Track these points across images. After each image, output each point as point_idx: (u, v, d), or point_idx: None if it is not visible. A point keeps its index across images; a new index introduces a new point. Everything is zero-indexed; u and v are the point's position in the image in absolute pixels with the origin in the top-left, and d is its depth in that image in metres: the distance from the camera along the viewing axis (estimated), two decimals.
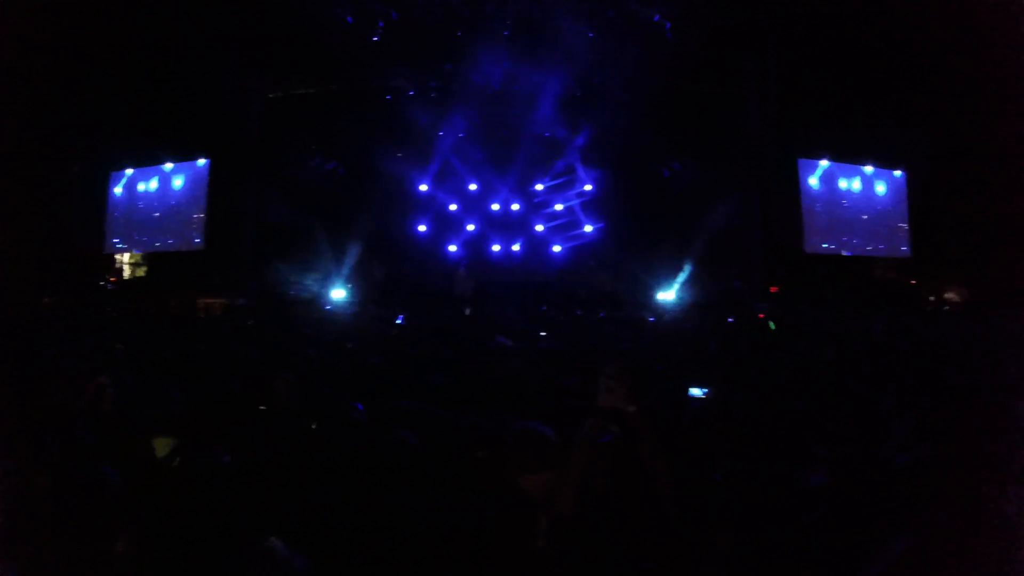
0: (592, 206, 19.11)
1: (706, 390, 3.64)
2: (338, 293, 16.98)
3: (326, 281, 17.19)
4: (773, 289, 17.64)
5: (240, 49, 17.04)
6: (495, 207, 19.18)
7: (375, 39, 16.60)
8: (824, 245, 19.32)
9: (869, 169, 20.10)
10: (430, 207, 19.13)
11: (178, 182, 19.22)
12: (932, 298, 18.65)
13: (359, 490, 2.81)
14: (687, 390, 3.78)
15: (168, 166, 19.33)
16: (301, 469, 3.15)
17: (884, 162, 20.06)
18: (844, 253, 19.56)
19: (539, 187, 19.15)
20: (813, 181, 19.46)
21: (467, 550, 2.52)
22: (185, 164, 19.14)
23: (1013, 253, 16.11)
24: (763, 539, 2.68)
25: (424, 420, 3.63)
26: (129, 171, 19.75)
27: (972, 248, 17.13)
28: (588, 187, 19.02)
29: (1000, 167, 16.47)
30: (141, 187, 19.62)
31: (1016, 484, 2.77)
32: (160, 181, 19.47)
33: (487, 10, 16.30)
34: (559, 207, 19.19)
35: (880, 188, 20.22)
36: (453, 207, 19.20)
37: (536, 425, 3.14)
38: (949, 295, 18.59)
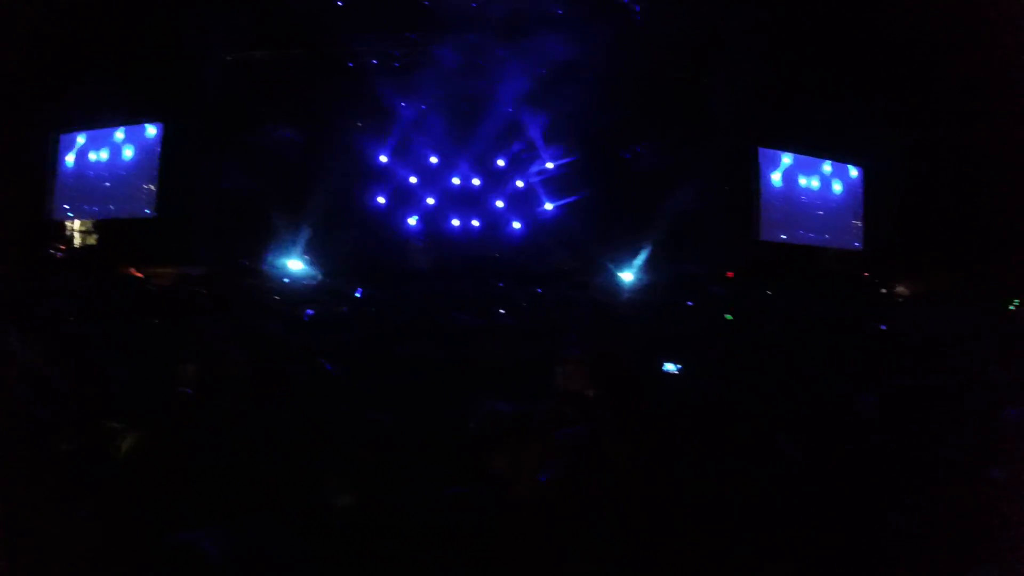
0: (553, 184, 19.08)
1: (679, 366, 3.65)
2: (295, 264, 16.75)
3: (283, 252, 16.92)
4: (729, 274, 17.85)
5: (198, 7, 16.57)
6: (455, 181, 19.05)
7: (339, 3, 16.31)
8: (781, 236, 19.61)
9: (828, 166, 20.41)
10: (390, 179, 18.91)
11: (128, 152, 18.61)
12: (884, 290, 19.00)
13: (323, 470, 2.76)
14: (653, 370, 3.78)
15: (119, 135, 18.71)
16: (255, 449, 3.07)
17: (842, 158, 20.37)
18: (799, 243, 19.87)
19: (500, 163, 19.05)
20: (775, 175, 19.70)
21: (432, 531, 2.49)
22: (137, 132, 18.54)
23: (965, 250, 16.55)
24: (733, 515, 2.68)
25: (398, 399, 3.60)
26: (81, 139, 19.10)
27: (924, 244, 17.51)
28: (549, 165, 18.97)
29: (956, 166, 16.86)
30: (92, 156, 18.98)
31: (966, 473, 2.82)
32: (111, 150, 18.82)
33: None
34: (519, 184, 19.12)
35: (837, 183, 20.55)
36: (413, 180, 19.01)
37: (500, 404, 3.12)
38: (900, 288, 18.96)
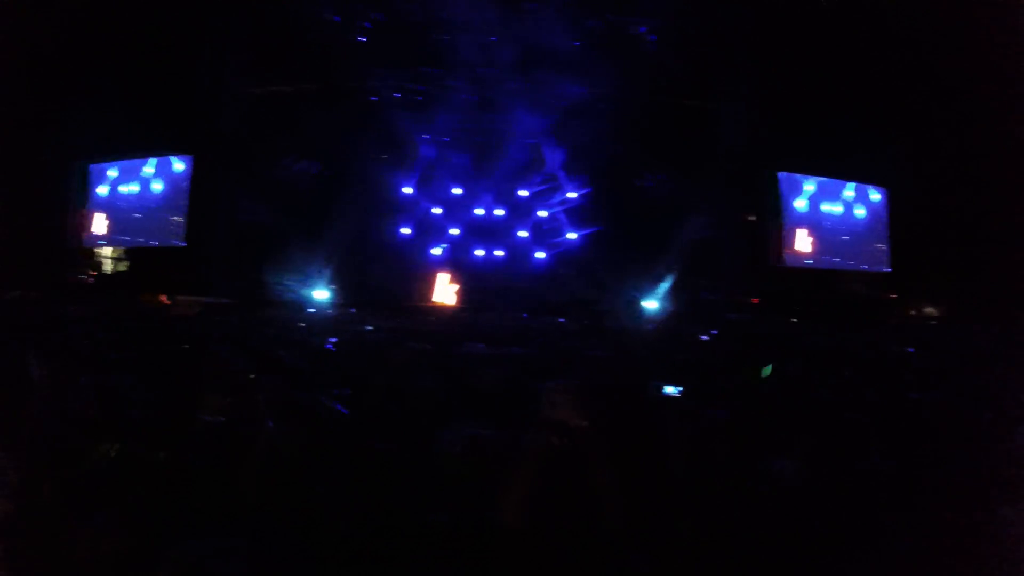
0: (575, 213, 19.16)
1: (680, 388, 3.66)
2: (320, 295, 16.92)
3: (307, 282, 17.10)
4: (754, 300, 17.74)
5: (222, 45, 16.94)
6: (479, 212, 19.19)
7: (361, 39, 16.60)
8: (805, 260, 19.45)
9: (851, 187, 20.23)
10: (414, 211, 19.10)
11: (157, 186, 19.00)
12: (912, 312, 18.78)
13: (322, 493, 2.82)
14: (656, 395, 3.79)
15: (149, 169, 19.12)
16: (267, 474, 3.14)
17: (865, 179, 20.18)
18: (824, 267, 19.68)
19: (523, 193, 19.18)
20: (798, 199, 19.61)
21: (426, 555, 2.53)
22: (165, 166, 18.95)
23: (993, 268, 16.32)
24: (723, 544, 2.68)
25: (397, 426, 3.64)
26: (113, 172, 19.52)
27: (951, 264, 17.30)
28: (572, 194, 19.06)
29: (981, 185, 16.68)
30: (123, 189, 19.41)
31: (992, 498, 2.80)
32: (141, 183, 19.24)
33: (474, 16, 16.34)
34: (543, 213, 19.23)
35: (861, 205, 20.35)
36: (437, 211, 19.19)
37: (483, 432, 3.14)
38: (928, 309, 18.73)
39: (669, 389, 3.71)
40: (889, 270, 19.77)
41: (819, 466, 3.38)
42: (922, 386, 5.76)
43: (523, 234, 19.12)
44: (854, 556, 2.63)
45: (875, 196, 20.23)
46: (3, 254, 15.44)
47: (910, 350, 9.04)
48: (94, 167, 19.56)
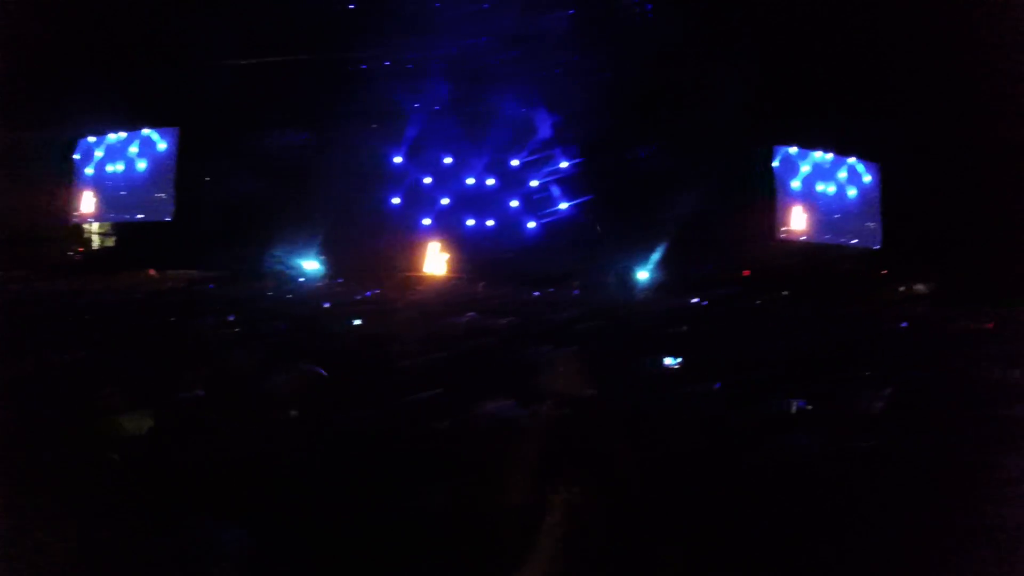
0: (568, 184, 19.05)
1: (679, 359, 3.65)
2: (310, 266, 16.85)
3: (297, 253, 17.02)
4: (746, 273, 17.74)
5: (207, 16, 16.66)
6: (470, 181, 19.07)
7: (350, 7, 16.37)
8: (798, 233, 19.46)
9: (845, 164, 20.21)
10: (404, 180, 18.97)
11: (142, 164, 18.92)
12: (902, 288, 18.81)
13: (316, 466, 2.77)
14: (655, 366, 3.77)
15: (133, 149, 18.99)
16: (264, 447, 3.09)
17: (860, 155, 20.14)
18: (817, 241, 19.69)
19: (514, 163, 19.04)
20: (791, 173, 19.58)
21: (425, 528, 2.50)
22: (149, 145, 18.84)
23: (985, 248, 16.34)
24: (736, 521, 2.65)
25: (386, 395, 3.60)
26: (99, 152, 19.40)
27: (944, 241, 17.30)
28: (564, 164, 18.94)
29: (975, 162, 16.65)
30: (108, 167, 19.30)
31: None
32: (125, 161, 19.14)
33: None
34: (534, 183, 19.11)
35: (855, 180, 20.35)
36: (427, 180, 19.05)
37: (503, 404, 3.12)
38: (919, 287, 18.76)
39: (666, 360, 3.69)
40: (879, 247, 19.84)
41: (807, 439, 3.36)
42: (909, 363, 5.75)
43: (514, 204, 19.01)
44: (845, 528, 2.60)
45: (867, 178, 20.24)
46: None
47: (903, 325, 9.07)
48: (80, 143, 19.34)
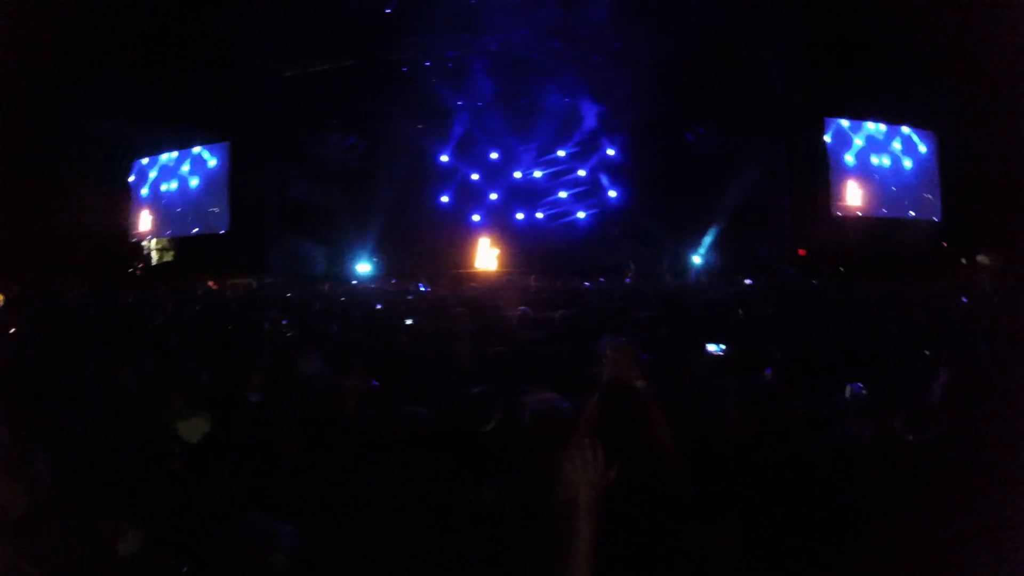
0: (615, 172, 18.94)
1: (723, 347, 3.59)
2: (363, 267, 17.06)
3: (351, 256, 17.26)
4: (801, 252, 17.37)
5: (254, 29, 16.96)
6: (517, 175, 19.08)
7: (388, 11, 16.46)
8: (854, 209, 18.99)
9: (904, 131, 19.65)
10: (452, 178, 19.08)
11: (195, 181, 19.43)
12: (964, 261, 18.23)
13: (369, 465, 2.80)
14: (702, 352, 3.71)
15: (185, 168, 19.55)
16: (319, 448, 3.14)
17: (915, 124, 19.58)
18: (875, 216, 19.20)
19: (561, 153, 19.00)
20: (844, 147, 19.11)
21: (477, 525, 2.51)
22: (200, 163, 19.38)
23: None
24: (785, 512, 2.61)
25: (436, 392, 3.62)
26: (152, 173, 20.06)
27: (1006, 211, 16.72)
28: (611, 152, 18.83)
29: None
30: (163, 187, 19.93)
31: None
32: (179, 179, 19.71)
33: None
34: (582, 173, 19.04)
35: (910, 151, 19.79)
36: (475, 177, 19.13)
37: (552, 398, 3.12)
38: (982, 258, 18.16)
39: (714, 348, 3.64)
40: (939, 219, 19.29)
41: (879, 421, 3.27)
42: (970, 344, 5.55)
43: (563, 195, 18.97)
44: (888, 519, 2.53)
45: (922, 148, 19.68)
46: (65, 252, 15.93)
47: (963, 300, 8.78)
48: (135, 165, 19.94)
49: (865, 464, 2.90)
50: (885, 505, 2.50)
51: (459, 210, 18.99)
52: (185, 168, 19.63)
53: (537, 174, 19.04)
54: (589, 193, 19.01)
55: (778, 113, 17.37)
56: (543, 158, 19.03)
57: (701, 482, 2.55)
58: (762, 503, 2.53)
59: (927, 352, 4.62)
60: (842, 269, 14.18)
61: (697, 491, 2.52)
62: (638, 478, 2.46)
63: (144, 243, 19.97)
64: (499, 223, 18.86)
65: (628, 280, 13.26)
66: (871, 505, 2.51)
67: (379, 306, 9.13)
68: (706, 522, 2.43)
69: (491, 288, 12.19)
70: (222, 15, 15.88)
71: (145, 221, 19.89)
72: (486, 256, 18.17)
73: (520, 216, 18.98)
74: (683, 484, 2.53)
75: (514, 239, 18.54)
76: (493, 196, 19.06)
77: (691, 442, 2.65)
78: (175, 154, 19.67)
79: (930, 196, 19.49)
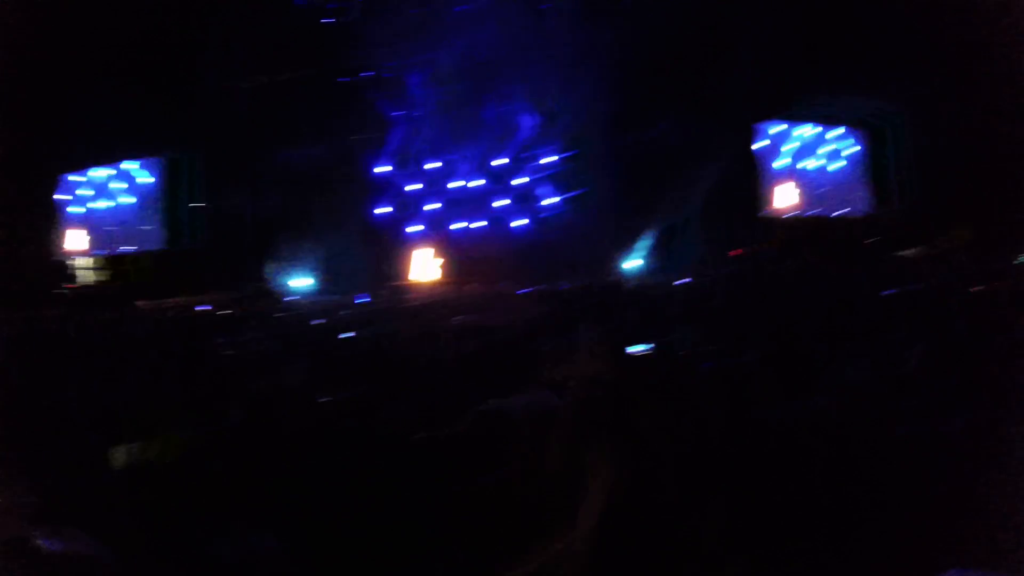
0: (556, 177, 19.00)
1: (648, 346, 3.63)
2: (301, 282, 16.84)
3: (287, 271, 17.02)
4: (737, 252, 17.72)
5: (188, 41, 16.66)
6: (457, 184, 19.01)
7: (325, 21, 16.36)
8: (791, 208, 19.59)
9: (831, 140, 20.38)
10: (390, 189, 18.93)
11: (127, 199, 19.11)
12: (897, 252, 18.81)
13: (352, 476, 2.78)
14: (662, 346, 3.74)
15: (117, 184, 19.14)
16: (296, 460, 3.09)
17: (847, 123, 20.28)
18: (815, 213, 19.82)
19: (502, 161, 18.99)
20: (779, 148, 19.71)
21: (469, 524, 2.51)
22: (133, 177, 19.03)
23: (976, 204, 16.34)
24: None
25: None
26: (88, 191, 19.42)
27: (936, 202, 17.36)
28: (551, 158, 18.89)
29: (959, 121, 16.68)
30: (96, 204, 19.37)
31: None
32: (111, 196, 19.30)
33: None
34: (523, 180, 19.05)
35: (844, 150, 20.52)
36: (414, 187, 19.00)
37: (541, 394, 3.13)
38: (913, 249, 18.77)
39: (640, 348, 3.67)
40: (872, 212, 19.95)
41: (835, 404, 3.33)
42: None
43: (504, 203, 18.96)
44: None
45: (854, 148, 20.37)
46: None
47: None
48: (64, 180, 19.35)
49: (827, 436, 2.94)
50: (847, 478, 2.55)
51: (398, 221, 18.83)
52: (118, 184, 19.21)
53: (477, 183, 18.99)
54: (530, 200, 19.03)
55: (714, 116, 17.65)
56: (483, 166, 18.99)
57: (683, 469, 2.55)
58: (747, 490, 2.54)
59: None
60: (782, 264, 14.49)
61: (680, 479, 2.52)
62: (623, 468, 2.46)
63: (73, 262, 19.39)
64: (440, 233, 18.76)
65: (564, 286, 13.31)
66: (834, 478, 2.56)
67: (319, 321, 9.03)
68: (691, 511, 2.44)
69: (432, 298, 12.16)
70: (155, 26, 15.56)
71: (74, 239, 19.27)
72: (427, 266, 18.06)
73: (460, 225, 18.90)
74: (666, 472, 2.53)
75: (455, 249, 18.45)
76: (433, 206, 18.95)
77: (672, 431, 2.66)
78: (109, 171, 19.18)
79: (865, 191, 20.18)
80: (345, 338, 6.77)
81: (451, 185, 18.94)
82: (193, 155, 17.71)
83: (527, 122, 18.56)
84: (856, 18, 16.03)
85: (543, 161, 18.87)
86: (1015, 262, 10.35)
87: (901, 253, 16.15)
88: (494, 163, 18.93)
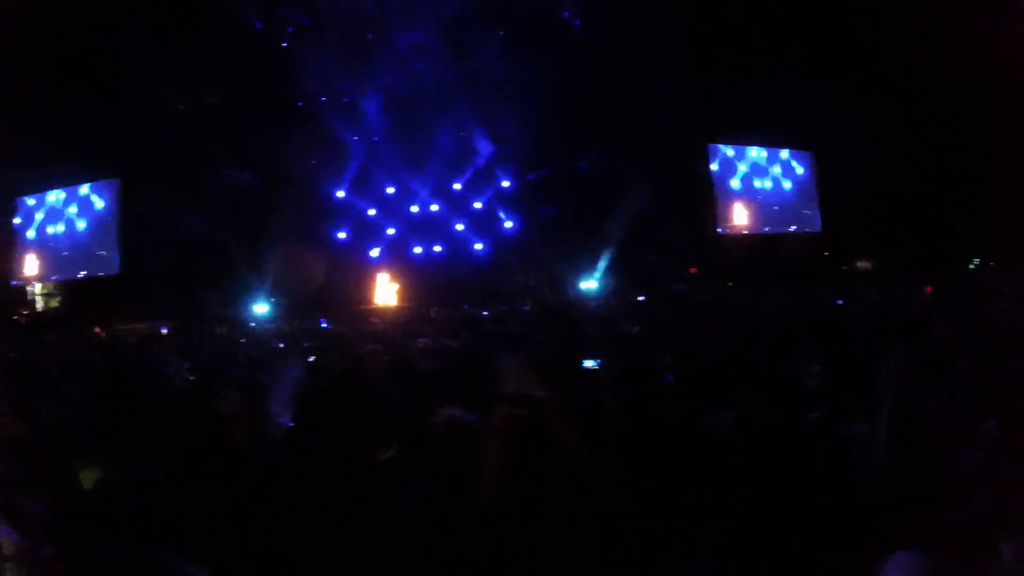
0: (511, 202, 19.27)
1: (598, 361, 3.79)
2: (261, 307, 16.76)
3: (248, 296, 16.94)
4: (693, 270, 18.10)
5: (144, 62, 16.63)
6: (414, 209, 19.18)
7: (283, 45, 16.43)
8: (741, 228, 20.04)
9: (778, 164, 20.92)
10: (349, 213, 19.01)
11: (82, 224, 18.93)
12: (844, 268, 19.38)
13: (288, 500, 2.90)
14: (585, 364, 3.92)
15: (72, 209, 18.95)
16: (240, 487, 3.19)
17: (794, 145, 20.84)
18: (759, 232, 20.28)
19: (457, 186, 19.21)
20: (729, 171, 20.21)
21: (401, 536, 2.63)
22: (88, 201, 18.86)
23: (920, 224, 16.92)
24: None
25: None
26: (39, 215, 19.32)
27: (880, 221, 17.91)
28: (506, 183, 19.16)
29: (906, 146, 17.27)
30: (50, 229, 19.26)
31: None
32: (66, 221, 19.12)
33: (394, 10, 16.35)
34: (478, 205, 19.29)
35: (789, 172, 21.06)
36: (372, 212, 19.11)
37: (458, 411, 3.28)
38: (859, 265, 19.34)
39: (590, 363, 3.85)
40: (819, 231, 20.51)
41: (755, 419, 3.55)
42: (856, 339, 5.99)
43: (460, 227, 19.16)
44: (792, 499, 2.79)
45: (800, 170, 20.96)
46: None
47: (839, 303, 9.40)
48: (20, 204, 19.15)
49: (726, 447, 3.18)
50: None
51: (357, 246, 18.90)
52: (72, 209, 19.05)
53: (434, 208, 19.17)
54: (485, 224, 19.25)
55: (663, 139, 18.10)
56: (439, 191, 19.18)
57: (600, 477, 2.74)
58: (660, 491, 2.75)
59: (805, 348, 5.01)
60: (730, 284, 14.84)
61: (597, 485, 2.71)
62: (542, 478, 2.65)
63: (28, 288, 19.11)
64: (397, 257, 18.87)
65: (526, 307, 13.49)
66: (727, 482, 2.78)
67: (280, 345, 9.09)
68: (607, 514, 2.62)
69: (391, 322, 12.23)
70: (111, 47, 15.50)
71: (30, 265, 19.08)
72: (386, 291, 18.13)
73: (418, 250, 19.05)
74: (584, 480, 2.71)
75: (413, 272, 18.56)
76: (391, 231, 19.07)
77: (588, 441, 2.84)
78: (62, 194, 19.04)
79: (809, 211, 20.73)
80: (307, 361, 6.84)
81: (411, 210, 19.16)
82: (145, 178, 17.52)
83: (480, 147, 18.84)
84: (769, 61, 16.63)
85: (497, 186, 19.19)
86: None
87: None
88: (449, 188, 19.18)
